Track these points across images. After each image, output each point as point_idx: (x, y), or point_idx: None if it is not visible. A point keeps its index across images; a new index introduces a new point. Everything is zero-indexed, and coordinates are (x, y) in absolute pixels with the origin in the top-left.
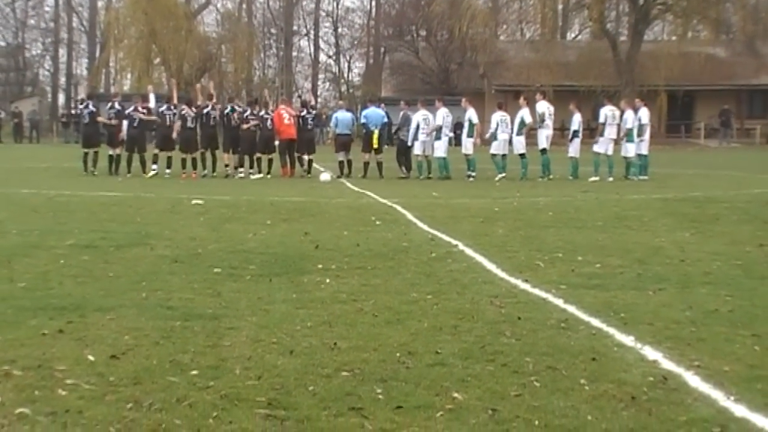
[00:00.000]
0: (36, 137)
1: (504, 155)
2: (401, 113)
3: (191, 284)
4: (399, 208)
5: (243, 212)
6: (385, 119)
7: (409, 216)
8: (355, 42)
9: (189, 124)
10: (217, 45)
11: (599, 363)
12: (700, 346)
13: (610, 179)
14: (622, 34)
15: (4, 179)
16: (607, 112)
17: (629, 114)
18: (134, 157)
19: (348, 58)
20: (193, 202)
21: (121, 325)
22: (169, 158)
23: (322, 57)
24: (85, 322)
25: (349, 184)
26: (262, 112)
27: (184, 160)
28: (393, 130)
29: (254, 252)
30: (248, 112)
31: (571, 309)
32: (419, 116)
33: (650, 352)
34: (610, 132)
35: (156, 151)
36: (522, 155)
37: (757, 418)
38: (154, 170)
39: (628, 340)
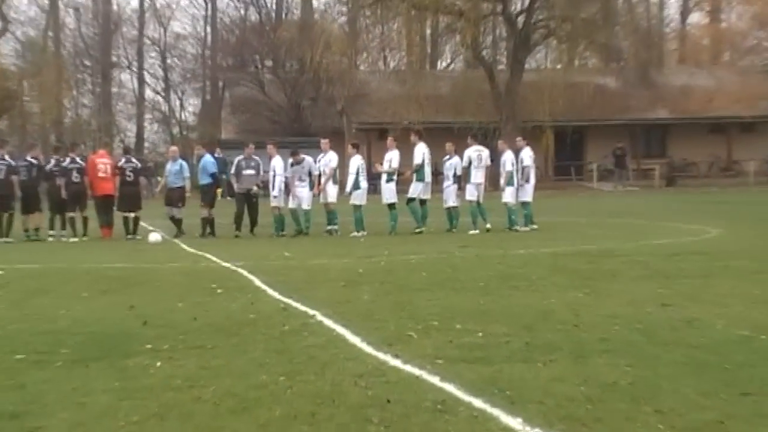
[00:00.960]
0: None
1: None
2: (238, 159)
3: None
4: (244, 272)
5: (53, 283)
6: (213, 169)
7: (257, 282)
8: (188, 75)
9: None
10: (18, 80)
11: None
12: (598, 427)
13: (476, 231)
14: (501, 62)
15: None
16: (471, 153)
17: (508, 155)
18: None
19: (180, 94)
20: None
21: None
22: None
23: (149, 93)
24: None
25: (184, 246)
26: (67, 161)
27: None
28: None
29: (67, 332)
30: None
31: (450, 388)
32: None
33: None
34: (477, 176)
35: None
36: (391, 206)
37: None
38: None
39: (516, 423)
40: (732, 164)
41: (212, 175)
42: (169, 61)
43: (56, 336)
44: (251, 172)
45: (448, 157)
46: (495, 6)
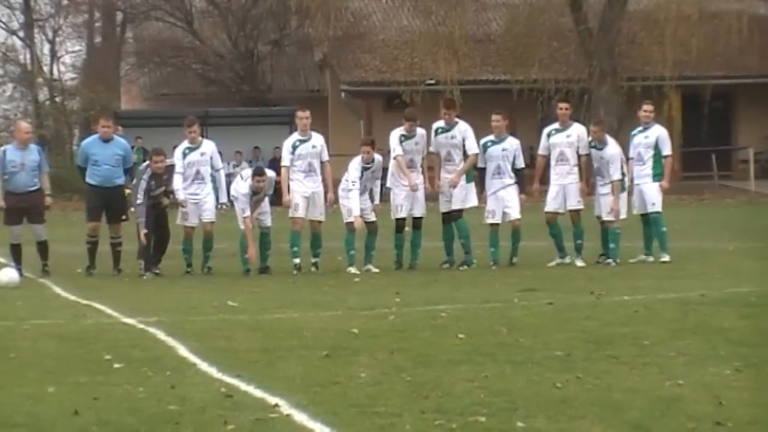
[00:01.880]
0: None
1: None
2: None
3: None
4: (160, 333)
5: None
6: (128, 161)
7: (181, 350)
8: (65, 2)
9: None
10: None
11: None
12: None
13: (556, 262)
14: None
15: None
16: (553, 136)
17: (613, 149)
18: None
19: (50, 34)
20: None
21: None
22: None
23: None
24: None
25: (58, 290)
26: None
27: None
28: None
29: None
30: None
31: None
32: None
33: None
34: (560, 174)
35: None
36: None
37: None
38: None
39: None
40: None
41: (126, 171)
42: None
43: None
44: (160, 189)
45: (493, 139)
46: None
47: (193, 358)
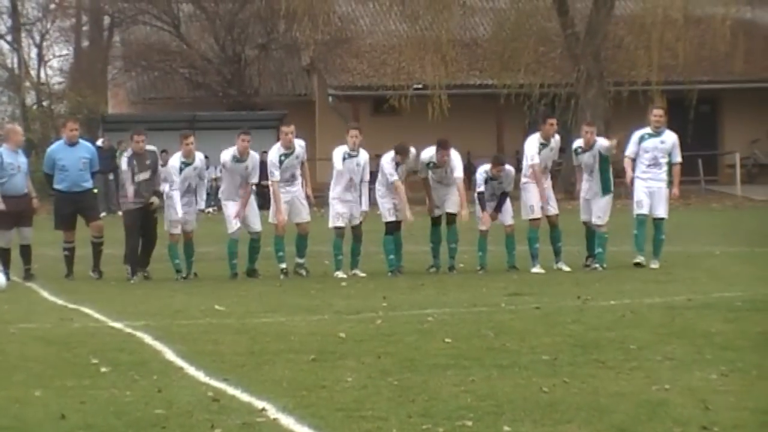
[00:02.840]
0: None
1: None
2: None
3: None
4: (147, 337)
5: None
6: (95, 164)
7: (168, 354)
8: (52, 6)
9: None
10: None
11: None
12: None
13: (539, 269)
14: None
15: None
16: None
17: (602, 142)
18: None
19: (38, 38)
20: None
21: None
22: None
23: None
24: None
25: (45, 293)
26: None
27: None
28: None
29: None
30: None
31: None
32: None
33: None
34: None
35: None
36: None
37: None
38: None
39: None
40: None
41: (93, 175)
42: None
43: None
44: (145, 176)
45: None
46: None
47: (180, 362)
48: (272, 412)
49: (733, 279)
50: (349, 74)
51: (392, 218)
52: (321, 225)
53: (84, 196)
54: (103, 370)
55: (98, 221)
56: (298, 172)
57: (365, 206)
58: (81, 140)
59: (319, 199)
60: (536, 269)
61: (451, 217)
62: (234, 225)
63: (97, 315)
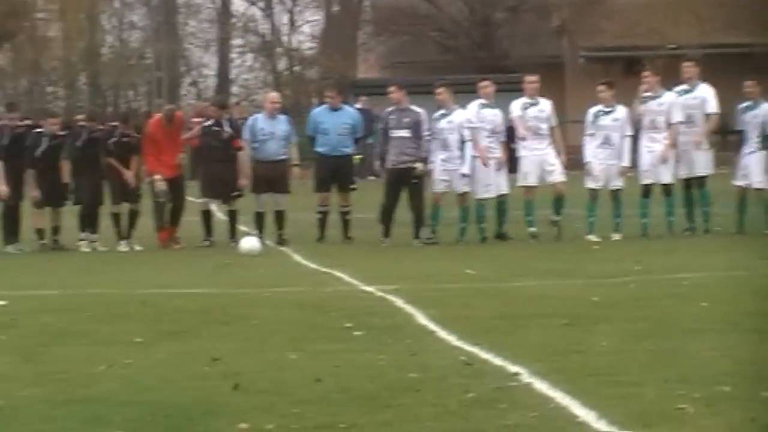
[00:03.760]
0: None
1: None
2: (386, 113)
3: None
4: (399, 302)
5: (86, 321)
6: (358, 130)
7: (420, 318)
8: None
9: None
10: None
11: None
12: None
13: None
14: None
15: None
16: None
17: None
18: None
19: (290, 4)
20: None
21: None
22: None
23: (237, 4)
24: None
25: (298, 258)
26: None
27: None
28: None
29: (112, 401)
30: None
31: None
32: (457, 118)
33: None
34: None
35: None
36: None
37: None
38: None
39: None
40: None
41: (357, 141)
42: None
43: (95, 408)
44: (405, 134)
45: (747, 104)
46: None
47: (432, 326)
48: (525, 376)
49: None
50: (601, 35)
51: (648, 180)
52: (575, 187)
53: (342, 162)
54: (356, 333)
55: (348, 192)
56: (545, 129)
57: (626, 163)
58: (345, 106)
59: (572, 161)
60: None
61: (701, 180)
62: (482, 191)
63: (348, 279)
